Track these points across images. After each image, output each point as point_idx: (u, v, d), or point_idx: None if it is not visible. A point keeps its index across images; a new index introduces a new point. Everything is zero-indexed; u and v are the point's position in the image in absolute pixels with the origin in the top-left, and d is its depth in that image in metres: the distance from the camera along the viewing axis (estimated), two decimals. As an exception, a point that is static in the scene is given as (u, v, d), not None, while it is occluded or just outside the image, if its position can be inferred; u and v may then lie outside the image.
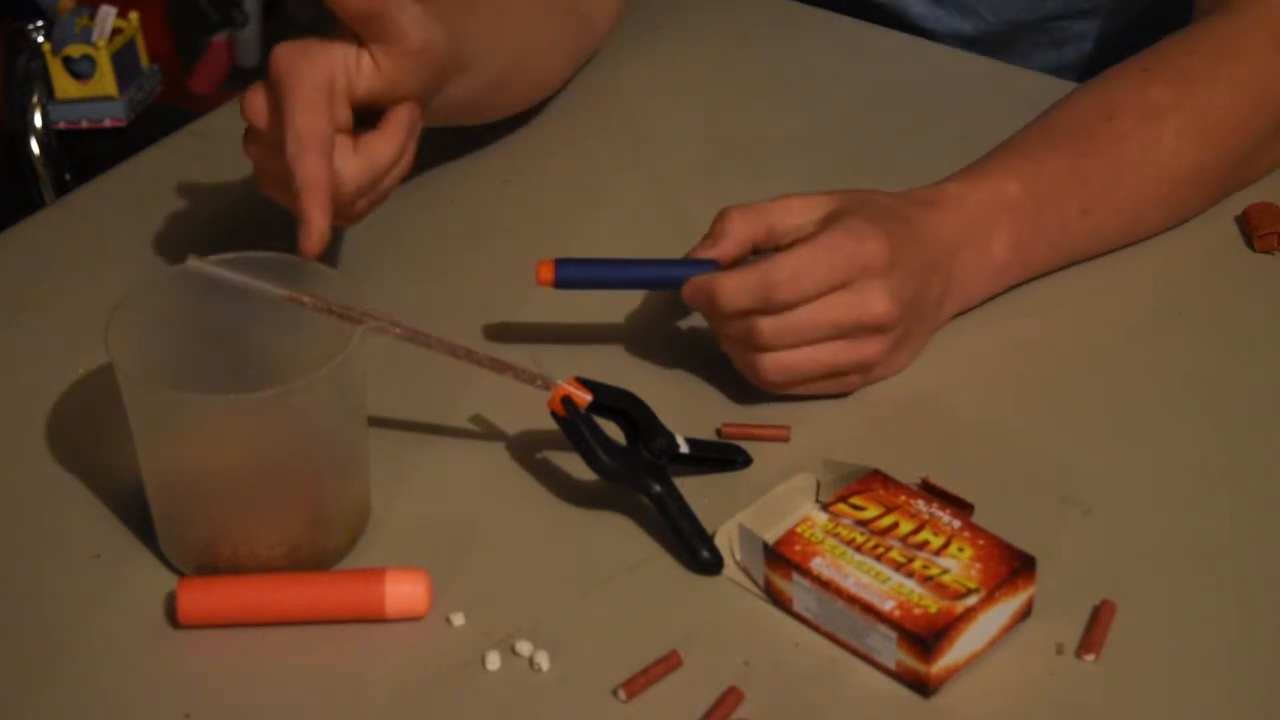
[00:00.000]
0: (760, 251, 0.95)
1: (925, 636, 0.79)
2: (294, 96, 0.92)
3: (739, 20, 1.32)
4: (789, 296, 0.90)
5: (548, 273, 0.95)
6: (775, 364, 0.93)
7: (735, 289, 0.91)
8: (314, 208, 0.92)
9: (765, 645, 0.83)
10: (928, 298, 0.95)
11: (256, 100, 0.95)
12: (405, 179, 1.01)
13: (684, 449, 0.90)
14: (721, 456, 0.92)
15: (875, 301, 0.91)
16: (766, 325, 0.92)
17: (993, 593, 0.81)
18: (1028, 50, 1.31)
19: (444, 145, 1.18)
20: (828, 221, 0.93)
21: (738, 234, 0.94)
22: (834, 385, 0.95)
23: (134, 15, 1.62)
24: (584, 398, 0.89)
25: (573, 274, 0.96)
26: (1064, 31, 1.30)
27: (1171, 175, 1.03)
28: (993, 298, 1.01)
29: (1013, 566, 0.82)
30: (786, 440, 0.94)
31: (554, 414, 0.89)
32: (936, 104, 1.23)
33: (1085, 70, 1.26)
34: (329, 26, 0.96)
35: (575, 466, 0.90)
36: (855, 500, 0.86)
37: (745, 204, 0.95)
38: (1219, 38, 1.07)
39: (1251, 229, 1.06)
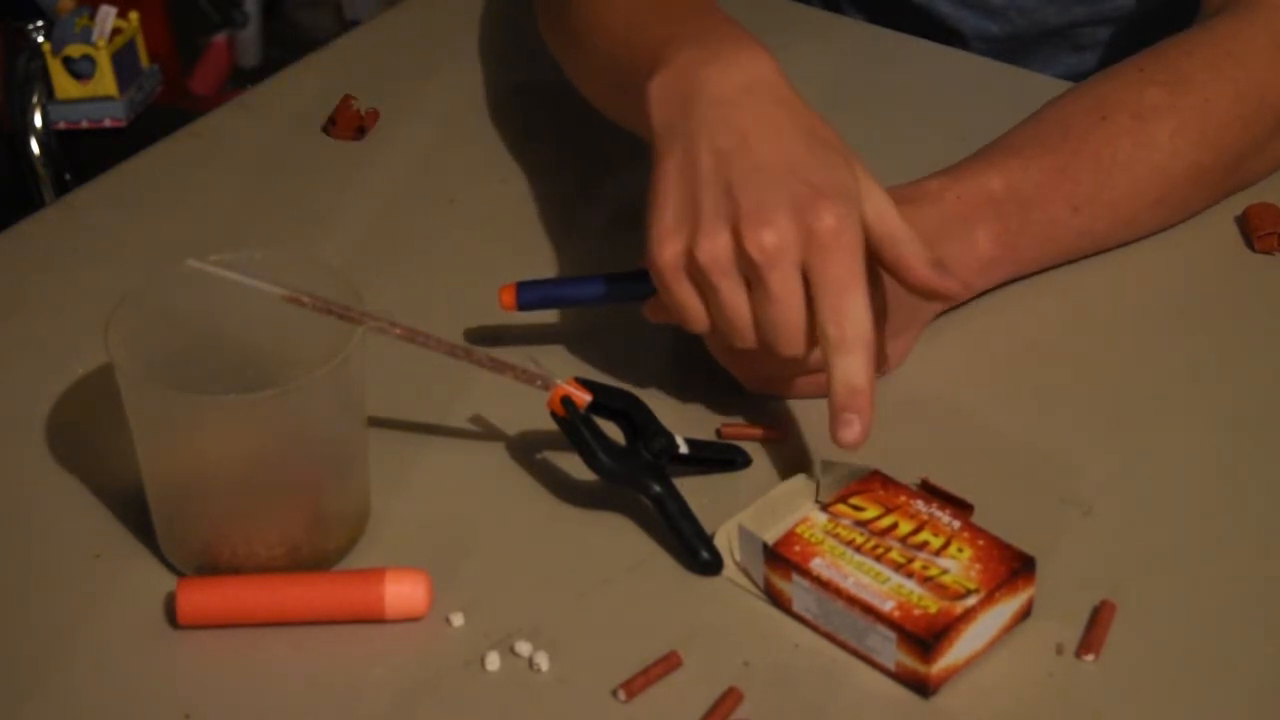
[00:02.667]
0: None
1: (925, 637, 0.79)
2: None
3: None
4: None
5: (509, 297, 0.96)
6: (749, 366, 0.93)
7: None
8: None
9: (765, 645, 0.83)
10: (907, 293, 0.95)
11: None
12: (404, 179, 1.01)
13: (683, 449, 0.90)
14: (721, 457, 0.92)
15: None
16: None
17: (992, 593, 0.81)
18: (1051, 53, 1.31)
19: (444, 144, 1.18)
20: None
21: None
22: (823, 387, 0.95)
23: (134, 15, 1.62)
24: (584, 398, 0.89)
25: (534, 296, 0.96)
26: (1088, 37, 1.30)
27: (1165, 176, 1.03)
28: (983, 293, 1.01)
29: (1012, 567, 0.82)
30: (786, 440, 0.94)
31: (554, 414, 0.89)
32: (938, 105, 1.22)
33: None
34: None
35: (575, 466, 0.90)
36: (855, 501, 0.86)
37: None
38: (1218, 40, 1.06)
39: (1251, 229, 1.06)
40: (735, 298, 0.88)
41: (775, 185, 0.88)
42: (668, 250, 0.89)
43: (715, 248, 0.88)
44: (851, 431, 0.87)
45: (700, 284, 0.89)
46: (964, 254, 0.98)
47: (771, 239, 0.87)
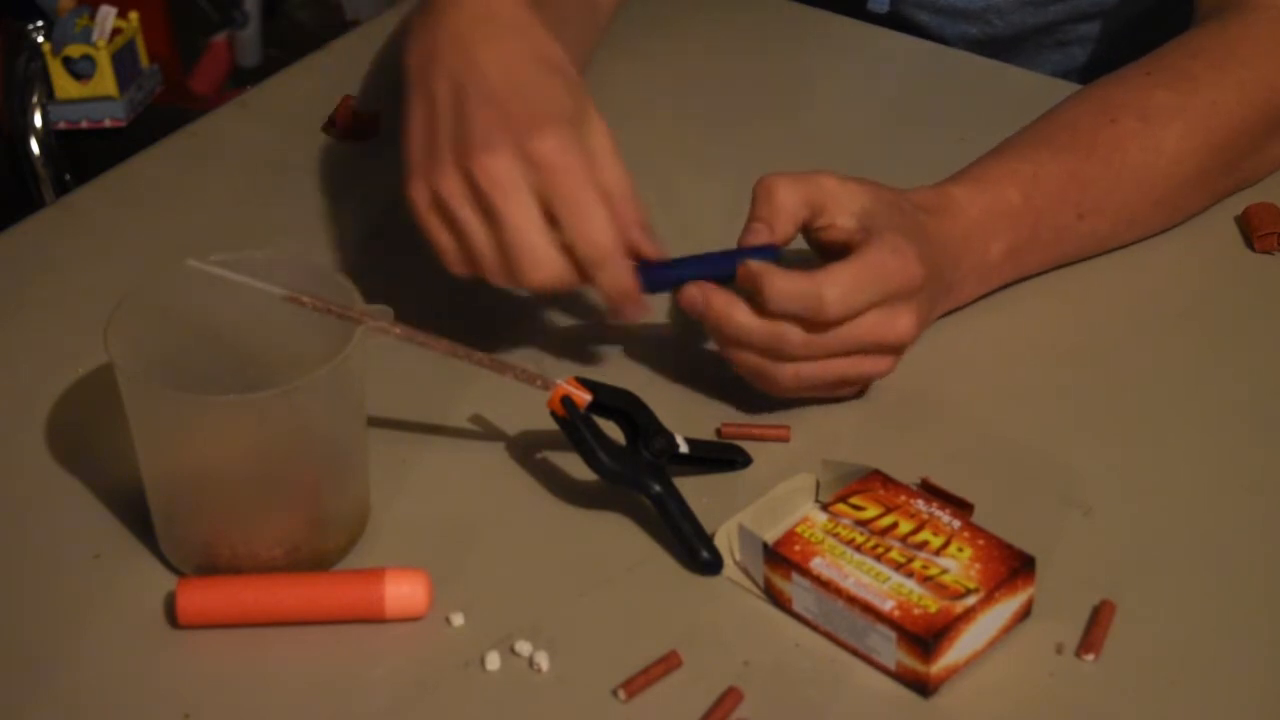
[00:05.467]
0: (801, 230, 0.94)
1: (925, 636, 0.79)
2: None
3: (739, 21, 1.32)
4: (838, 314, 0.89)
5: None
6: (793, 373, 0.92)
7: (786, 295, 0.89)
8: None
9: (765, 645, 0.83)
10: (935, 308, 0.96)
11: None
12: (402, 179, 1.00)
13: (684, 449, 0.90)
14: (721, 456, 0.92)
15: (902, 323, 0.91)
16: (798, 336, 0.90)
17: (992, 593, 0.81)
18: (1034, 52, 1.31)
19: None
20: (868, 231, 0.91)
21: (788, 211, 0.93)
22: (830, 393, 0.95)
23: (134, 15, 1.63)
24: (584, 398, 0.89)
25: (657, 277, 0.93)
26: (1069, 34, 1.30)
27: (1171, 178, 1.03)
28: (982, 297, 1.01)
29: (1012, 567, 0.82)
30: (786, 440, 0.94)
31: (554, 414, 0.89)
32: (937, 104, 1.23)
33: (1092, 71, 1.26)
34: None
35: (575, 466, 0.90)
36: (855, 500, 0.86)
37: (788, 176, 0.94)
38: (1221, 42, 1.07)
39: (1251, 229, 1.06)
40: (474, 227, 0.90)
41: (500, 113, 0.89)
42: (416, 186, 0.91)
43: (451, 180, 0.90)
44: (633, 316, 0.92)
45: (447, 218, 0.91)
46: (975, 265, 0.98)
47: (494, 166, 0.88)
